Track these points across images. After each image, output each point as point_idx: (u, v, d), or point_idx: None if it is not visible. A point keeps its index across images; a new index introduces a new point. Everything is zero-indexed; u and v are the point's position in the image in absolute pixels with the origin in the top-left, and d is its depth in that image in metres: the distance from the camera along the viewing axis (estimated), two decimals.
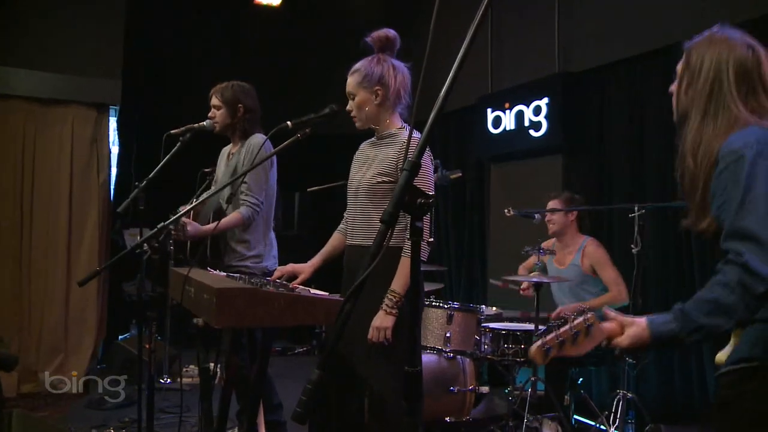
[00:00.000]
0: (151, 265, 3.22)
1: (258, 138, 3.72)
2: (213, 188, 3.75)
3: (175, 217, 2.97)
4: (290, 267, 3.15)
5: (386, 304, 2.71)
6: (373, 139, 3.10)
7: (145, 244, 2.99)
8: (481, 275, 6.72)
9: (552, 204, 4.79)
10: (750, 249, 1.58)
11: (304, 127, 2.81)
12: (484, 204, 6.81)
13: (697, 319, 1.61)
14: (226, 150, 4.02)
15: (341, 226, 3.26)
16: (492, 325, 4.53)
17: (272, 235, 3.86)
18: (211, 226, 3.52)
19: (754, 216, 1.60)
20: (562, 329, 1.81)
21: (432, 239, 1.79)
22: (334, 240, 3.23)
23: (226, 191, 3.62)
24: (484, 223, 6.79)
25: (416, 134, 2.95)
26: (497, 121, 6.31)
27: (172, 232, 3.37)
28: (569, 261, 4.73)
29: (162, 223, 2.77)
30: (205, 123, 3.72)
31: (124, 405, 5.18)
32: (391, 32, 2.97)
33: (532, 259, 4.90)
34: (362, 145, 3.16)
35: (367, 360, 2.77)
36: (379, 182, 2.88)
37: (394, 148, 2.90)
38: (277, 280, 2.88)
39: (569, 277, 4.61)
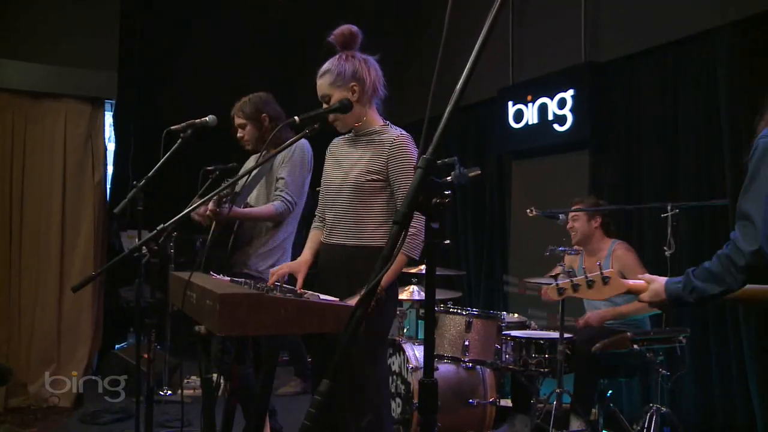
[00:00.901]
0: (150, 269, 3.24)
1: (303, 142, 3.81)
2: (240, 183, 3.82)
3: (200, 202, 3.00)
4: (286, 267, 3.19)
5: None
6: (347, 136, 3.20)
7: (144, 247, 3.02)
8: (502, 280, 6.72)
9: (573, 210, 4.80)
10: (741, 227, 1.96)
11: (313, 123, 2.84)
12: (504, 204, 6.81)
13: (693, 282, 2.05)
14: (253, 158, 4.10)
15: (316, 222, 3.34)
16: (514, 333, 4.55)
17: (290, 245, 3.94)
18: (245, 210, 3.58)
19: (753, 200, 1.95)
20: (577, 278, 2.26)
21: (448, 241, 1.81)
22: (316, 235, 3.30)
23: (260, 195, 3.71)
24: (505, 225, 6.79)
25: (399, 131, 3.03)
26: (519, 115, 6.31)
27: (210, 210, 3.46)
28: (597, 267, 4.73)
29: (162, 225, 2.80)
30: (207, 118, 3.76)
31: (121, 419, 5.22)
32: (353, 28, 3.06)
33: (557, 270, 4.91)
34: (336, 141, 3.27)
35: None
36: (367, 180, 2.98)
37: (382, 147, 3.00)
38: (285, 285, 2.91)
39: None
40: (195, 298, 2.66)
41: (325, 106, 3.04)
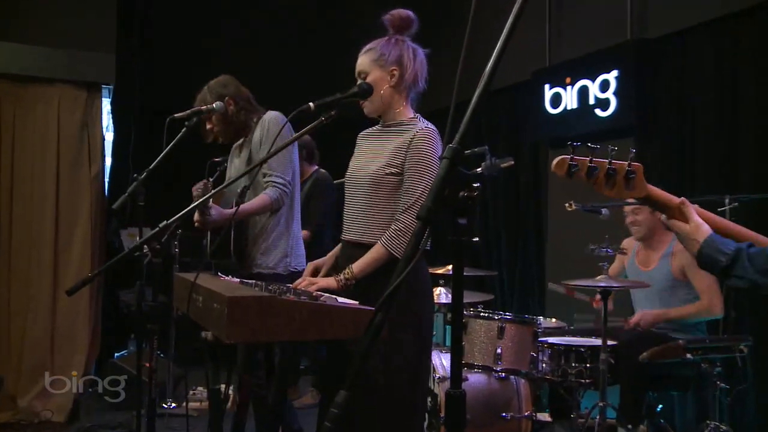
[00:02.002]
0: (153, 270, 3.29)
1: (271, 113, 3.83)
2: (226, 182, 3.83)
3: (193, 205, 3.03)
4: (311, 266, 3.31)
5: (340, 277, 2.97)
6: (376, 127, 3.26)
7: (145, 246, 3.05)
8: (538, 281, 6.71)
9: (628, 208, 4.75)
10: None
11: (329, 109, 2.86)
12: (540, 197, 6.80)
13: (743, 263, 1.93)
14: (235, 145, 4.11)
15: None
16: (551, 339, 4.55)
17: (297, 229, 3.94)
18: (232, 210, 3.63)
19: None
20: (600, 159, 2.01)
21: (476, 239, 1.81)
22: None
23: (242, 182, 3.71)
24: (541, 220, 6.78)
25: (426, 123, 3.06)
26: (556, 99, 6.30)
27: (195, 220, 3.46)
28: (655, 262, 4.71)
29: (165, 222, 2.83)
30: (215, 105, 3.79)
31: None
32: (411, 13, 3.14)
33: (617, 265, 4.91)
34: (363, 134, 3.33)
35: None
36: (387, 174, 3.04)
37: (405, 140, 3.05)
38: (298, 288, 2.93)
39: (655, 282, 4.57)
40: (201, 301, 2.69)
41: (360, 83, 3.10)
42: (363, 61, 3.13)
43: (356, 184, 3.16)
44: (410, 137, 3.03)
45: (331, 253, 3.32)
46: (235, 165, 4.04)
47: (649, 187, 2.09)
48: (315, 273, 3.27)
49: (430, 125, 3.11)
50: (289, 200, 3.87)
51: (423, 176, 2.98)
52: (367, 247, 3.04)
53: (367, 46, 3.14)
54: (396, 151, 3.05)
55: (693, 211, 2.11)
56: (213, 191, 3.21)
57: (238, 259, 3.77)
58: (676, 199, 2.14)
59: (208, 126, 3.97)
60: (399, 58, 3.10)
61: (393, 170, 3.04)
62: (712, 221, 2.12)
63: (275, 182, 3.75)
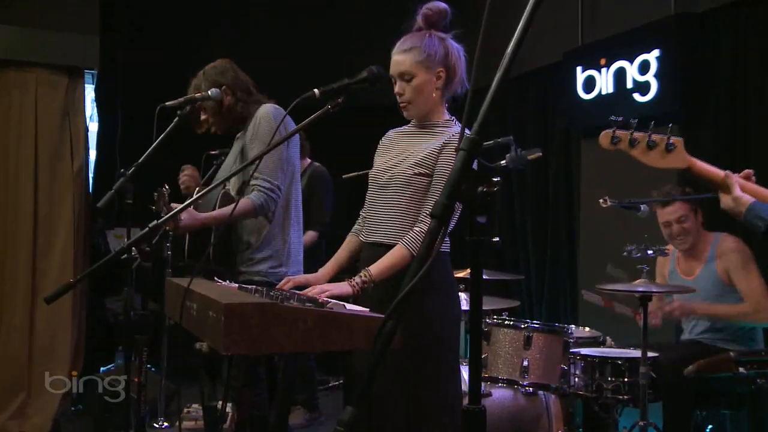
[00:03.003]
0: (142, 275, 3.31)
1: (265, 108, 3.85)
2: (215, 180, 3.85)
3: (176, 210, 3.05)
4: (302, 278, 3.31)
5: (355, 281, 2.99)
6: (406, 127, 3.32)
7: (134, 248, 3.07)
8: (569, 286, 6.70)
9: (671, 210, 4.72)
10: None
11: (336, 96, 2.88)
12: (572, 192, 6.79)
13: None
14: (237, 136, 4.14)
15: (356, 227, 3.45)
16: (584, 351, 4.55)
17: (295, 233, 3.96)
18: (210, 214, 3.62)
19: None
20: (638, 133, 2.55)
21: (497, 239, 1.82)
22: (350, 243, 3.42)
23: (235, 181, 3.74)
24: (573, 218, 6.77)
25: (458, 126, 3.11)
26: (590, 83, 6.29)
27: (169, 226, 3.48)
28: (699, 268, 4.70)
29: (155, 221, 2.85)
30: (210, 92, 3.81)
31: None
32: (447, 6, 3.19)
33: (664, 264, 4.89)
34: (391, 133, 3.39)
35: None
36: (416, 174, 3.09)
37: (440, 142, 3.11)
38: (298, 292, 2.96)
39: (701, 289, 4.56)
40: (196, 309, 2.71)
41: (400, 84, 3.15)
42: (406, 60, 3.15)
43: (383, 186, 3.22)
44: (445, 140, 3.10)
45: (322, 273, 3.32)
46: (229, 161, 4.07)
47: (691, 160, 2.59)
48: (303, 288, 3.25)
49: (458, 127, 3.16)
50: (284, 202, 3.90)
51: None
52: (392, 248, 3.10)
53: (407, 44, 3.17)
54: (428, 153, 3.12)
55: (736, 183, 2.59)
56: (201, 193, 3.22)
57: (219, 264, 3.78)
58: (720, 173, 2.60)
59: (203, 116, 4.00)
60: (446, 58, 3.15)
61: (423, 170, 3.10)
62: (755, 192, 2.59)
63: (261, 186, 3.77)
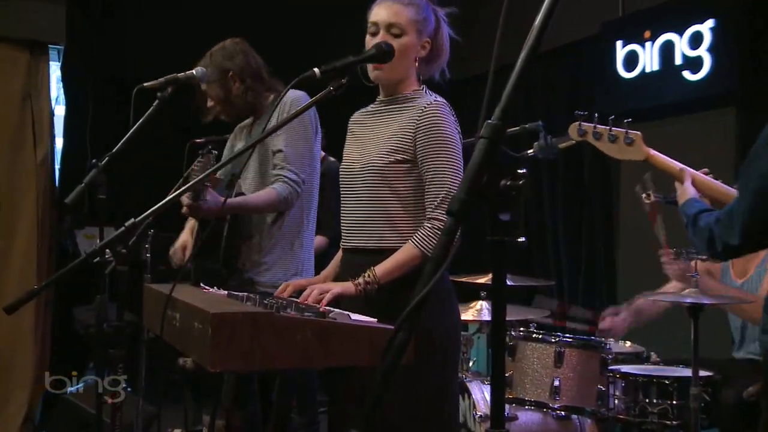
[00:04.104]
0: (117, 280, 3.31)
1: (295, 95, 3.89)
2: (223, 167, 3.88)
3: (189, 184, 3.06)
4: (302, 281, 3.35)
5: (358, 281, 3.02)
6: (372, 106, 3.36)
7: (108, 251, 3.08)
8: (607, 293, 6.70)
9: None
10: (727, 215, 2.85)
11: (340, 76, 2.89)
12: (611, 185, 6.79)
13: (694, 227, 3.01)
14: (240, 125, 4.18)
15: None
16: (625, 368, 4.54)
17: (310, 237, 4.03)
18: (236, 199, 3.69)
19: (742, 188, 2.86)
20: (600, 127, 3.24)
21: (523, 239, 1.81)
22: None
23: (254, 178, 3.77)
24: (611, 215, 6.77)
25: (434, 96, 3.18)
26: (632, 60, 6.29)
27: (185, 204, 3.51)
28: (753, 268, 4.70)
29: (133, 219, 2.86)
30: (195, 71, 3.83)
31: None
32: None
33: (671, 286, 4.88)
34: (357, 116, 3.43)
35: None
36: (391, 162, 3.12)
37: (410, 117, 3.13)
38: (295, 300, 2.97)
39: (754, 293, 4.56)
40: (179, 319, 2.72)
41: (382, 34, 3.14)
42: (402, 13, 3.17)
43: (355, 178, 3.23)
44: (417, 114, 3.11)
45: (323, 275, 3.39)
46: (238, 149, 4.09)
47: (649, 152, 3.29)
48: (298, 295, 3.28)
49: (440, 98, 3.19)
50: (305, 202, 3.96)
51: (449, 160, 3.07)
52: (374, 252, 3.12)
53: None
54: (400, 132, 3.14)
55: (688, 176, 3.20)
56: (214, 166, 3.25)
57: (225, 266, 3.81)
58: (677, 166, 3.25)
59: (209, 103, 4.07)
60: (435, 32, 3.22)
61: (399, 156, 3.12)
62: (708, 187, 3.22)
63: (288, 178, 3.82)
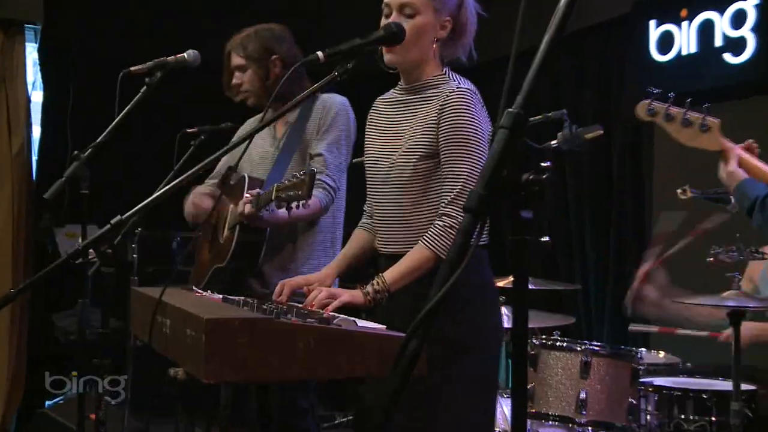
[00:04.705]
0: (102, 283, 3.32)
1: (340, 101, 4.04)
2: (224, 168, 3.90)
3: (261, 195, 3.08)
4: (301, 279, 3.33)
5: (367, 290, 3.01)
6: (394, 92, 3.35)
7: (92, 251, 3.09)
8: None
9: None
10: None
11: (346, 60, 2.89)
12: (642, 180, 6.78)
13: (756, 212, 3.11)
14: (251, 121, 4.24)
15: (365, 220, 3.49)
16: (659, 381, 4.55)
17: (340, 242, 4.10)
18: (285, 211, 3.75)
19: None
20: (674, 109, 3.17)
21: (547, 239, 1.81)
22: (359, 238, 3.48)
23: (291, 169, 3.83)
24: (643, 213, 6.76)
25: (460, 82, 3.15)
26: (667, 41, 6.28)
27: (253, 212, 3.61)
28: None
29: (119, 216, 2.87)
30: (186, 54, 3.83)
31: None
32: None
33: (755, 268, 4.88)
34: (379, 104, 3.42)
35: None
36: (420, 158, 3.11)
37: (434, 106, 3.12)
38: (297, 305, 2.97)
39: None
40: (169, 326, 2.72)
41: (395, 15, 3.12)
42: None
43: (384, 180, 3.24)
44: (440, 103, 3.10)
45: (324, 273, 3.37)
46: (258, 145, 4.16)
47: (726, 144, 3.21)
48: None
49: (467, 83, 3.18)
50: (337, 210, 4.08)
51: (469, 152, 3.05)
52: None
53: None
54: (425, 125, 3.13)
55: (735, 157, 3.20)
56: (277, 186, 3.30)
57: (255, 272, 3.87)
58: (731, 146, 3.23)
59: (235, 80, 4.12)
60: (457, 9, 3.18)
61: (425, 151, 3.11)
62: (752, 168, 3.20)
63: (327, 184, 3.91)
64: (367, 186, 3.37)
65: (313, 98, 4.05)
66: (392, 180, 3.19)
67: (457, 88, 3.11)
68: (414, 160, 3.12)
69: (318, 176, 3.85)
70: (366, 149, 3.38)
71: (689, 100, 3.22)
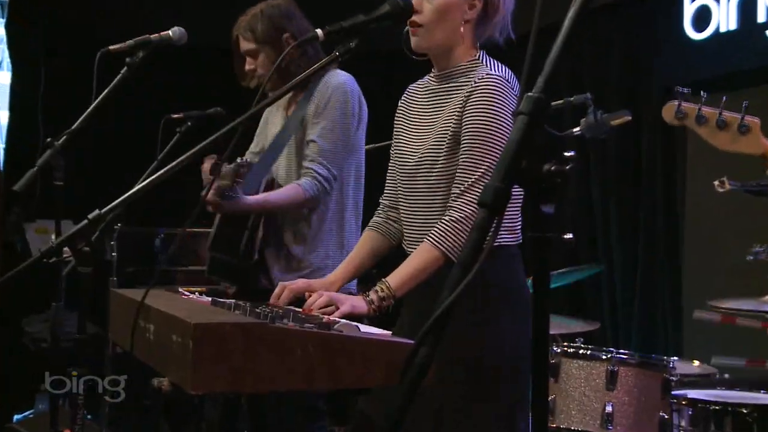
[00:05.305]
0: (78, 285, 3.32)
1: (341, 78, 4.06)
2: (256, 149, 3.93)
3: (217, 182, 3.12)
4: (303, 283, 3.31)
5: (370, 297, 3.00)
6: (429, 78, 3.35)
7: (67, 248, 3.10)
8: (670, 302, 6.69)
9: None
10: None
11: (348, 38, 2.90)
12: (674, 172, 6.78)
13: None
14: (274, 108, 4.31)
15: (376, 218, 3.50)
16: (693, 393, 4.55)
17: (352, 235, 4.14)
18: (259, 196, 3.82)
19: None
20: (709, 109, 2.95)
21: (570, 236, 1.82)
22: (370, 240, 3.48)
23: (289, 164, 3.85)
24: (675, 207, 6.76)
25: (491, 66, 3.16)
26: (704, 16, 6.28)
27: (208, 200, 3.60)
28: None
29: (97, 211, 2.87)
30: (171, 32, 3.85)
31: None
32: None
33: None
34: (411, 90, 3.43)
35: None
36: (448, 152, 3.11)
37: (463, 94, 3.12)
38: (294, 308, 2.98)
39: None
40: (153, 331, 2.72)
41: None
42: None
43: (412, 174, 3.25)
44: (469, 90, 3.10)
45: (329, 279, 3.38)
46: (270, 130, 4.24)
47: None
48: (297, 301, 3.27)
49: (501, 70, 3.18)
50: (347, 199, 4.11)
51: (488, 144, 3.04)
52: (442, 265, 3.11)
53: None
54: (453, 114, 3.13)
55: None
56: (240, 162, 3.30)
57: (252, 264, 3.89)
58: None
59: (247, 66, 4.19)
60: None
61: (452, 143, 3.11)
62: None
63: (317, 173, 3.94)
64: (390, 179, 3.40)
65: (318, 78, 4.07)
66: (420, 175, 3.20)
67: (487, 74, 3.10)
68: (442, 153, 3.12)
69: (309, 164, 3.92)
70: (394, 140, 3.40)
71: (724, 98, 3.03)
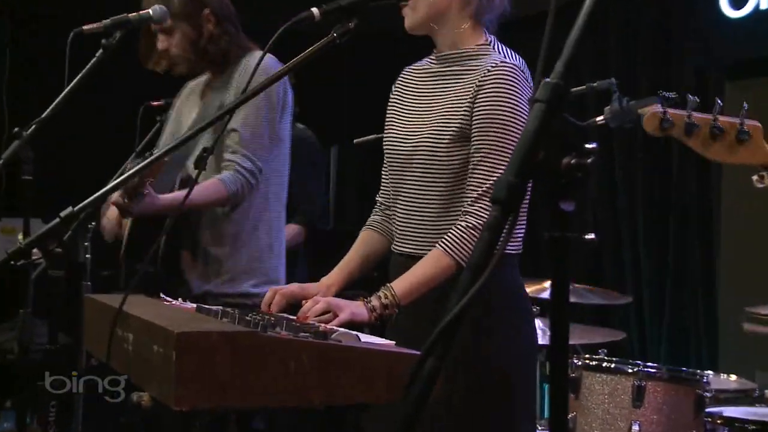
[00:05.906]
0: (48, 290, 3.33)
1: (267, 60, 3.94)
2: (170, 141, 3.91)
3: (130, 171, 3.10)
4: (296, 287, 3.33)
5: (373, 303, 2.99)
6: (428, 60, 3.35)
7: (36, 249, 3.11)
8: (705, 311, 6.70)
9: None
10: None
11: (346, 18, 2.91)
12: (709, 165, 6.79)
13: None
14: (192, 85, 4.23)
15: (373, 217, 3.50)
16: (729, 411, 4.56)
17: (281, 234, 4.10)
18: (175, 195, 3.74)
19: None
20: (701, 115, 2.60)
21: (593, 236, 1.82)
22: (366, 241, 3.48)
23: (201, 146, 3.81)
24: (710, 205, 6.76)
25: (504, 54, 3.16)
26: None
27: (114, 203, 3.53)
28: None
29: (70, 208, 2.88)
30: (151, 11, 3.85)
31: None
32: None
33: None
34: (408, 73, 3.43)
35: None
36: (452, 141, 3.10)
37: (473, 81, 3.11)
38: (288, 316, 2.99)
39: None
40: (132, 341, 2.73)
41: None
42: None
43: (405, 163, 3.24)
44: (480, 77, 3.09)
45: (327, 282, 3.36)
46: (192, 117, 4.16)
47: None
48: (295, 303, 3.27)
49: (514, 58, 3.17)
50: (264, 189, 4.05)
51: (505, 142, 3.03)
52: None
53: None
54: (459, 100, 3.12)
55: None
56: (152, 158, 3.28)
57: (169, 272, 3.86)
58: None
59: (161, 44, 4.09)
60: None
61: (455, 132, 3.09)
62: None
63: (240, 166, 3.91)
64: (384, 172, 3.40)
65: (237, 60, 4.07)
66: (414, 165, 3.19)
67: (501, 62, 3.10)
68: (444, 145, 3.10)
69: (230, 156, 3.90)
70: (386, 127, 3.38)
71: (718, 100, 2.68)
